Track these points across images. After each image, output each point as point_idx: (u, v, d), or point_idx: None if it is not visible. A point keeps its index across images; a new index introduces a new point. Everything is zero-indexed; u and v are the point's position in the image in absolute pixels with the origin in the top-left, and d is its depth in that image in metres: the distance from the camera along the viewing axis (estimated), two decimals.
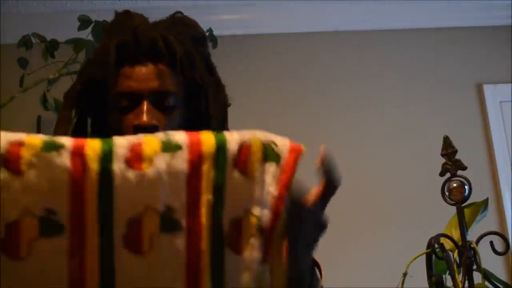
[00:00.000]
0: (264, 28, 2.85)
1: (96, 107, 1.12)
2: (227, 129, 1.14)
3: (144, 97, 1.07)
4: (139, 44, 1.09)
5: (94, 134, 1.15)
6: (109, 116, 1.10)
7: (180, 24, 1.16)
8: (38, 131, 2.63)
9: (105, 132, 1.10)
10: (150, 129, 1.03)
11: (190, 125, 1.10)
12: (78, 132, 1.13)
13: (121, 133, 1.05)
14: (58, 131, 1.10)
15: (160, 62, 1.09)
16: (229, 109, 1.17)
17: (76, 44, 2.34)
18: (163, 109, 1.08)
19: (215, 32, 2.44)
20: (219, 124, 1.13)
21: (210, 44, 1.29)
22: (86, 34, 2.35)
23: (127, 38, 1.11)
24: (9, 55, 2.57)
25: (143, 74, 1.08)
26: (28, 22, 2.72)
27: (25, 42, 2.34)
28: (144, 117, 1.05)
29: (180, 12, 1.17)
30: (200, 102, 1.11)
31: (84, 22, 2.35)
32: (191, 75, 1.10)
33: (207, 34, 1.41)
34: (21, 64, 2.36)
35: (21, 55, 2.37)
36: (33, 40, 2.36)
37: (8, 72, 2.66)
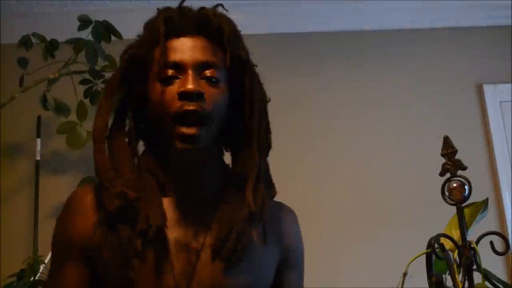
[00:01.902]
0: (264, 28, 2.85)
1: (138, 88, 1.12)
2: (267, 122, 1.15)
3: (188, 67, 1.07)
4: (186, 17, 1.11)
5: (135, 121, 1.14)
6: (152, 90, 1.09)
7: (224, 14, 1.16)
8: (38, 131, 2.63)
9: (146, 114, 1.11)
10: (196, 95, 1.04)
11: (234, 105, 1.11)
12: (120, 120, 1.13)
13: (163, 105, 1.06)
14: (98, 121, 1.11)
15: (206, 36, 1.10)
16: None
17: (76, 44, 2.34)
18: (209, 80, 1.08)
19: None
20: (263, 113, 1.13)
21: None
22: (86, 34, 2.35)
23: (173, 12, 1.12)
24: (9, 55, 2.57)
25: (189, 46, 1.09)
26: (28, 22, 2.72)
27: (25, 42, 2.34)
28: (190, 84, 1.04)
29: (221, 5, 1.17)
30: (244, 81, 1.11)
31: (84, 22, 2.35)
32: (237, 51, 1.10)
33: None
34: (21, 64, 2.36)
35: (21, 55, 2.37)
36: (33, 40, 2.36)
37: (8, 72, 2.66)
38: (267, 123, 1.14)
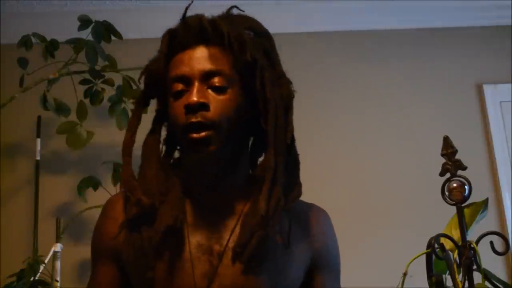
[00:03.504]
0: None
1: (162, 102, 1.17)
2: (291, 120, 1.16)
3: (195, 79, 1.09)
4: (188, 29, 1.13)
5: (168, 131, 1.20)
6: (168, 104, 1.13)
7: (236, 16, 1.18)
8: (38, 131, 2.63)
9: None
10: (199, 107, 1.07)
11: (248, 109, 1.13)
12: (155, 129, 1.18)
13: (174, 119, 1.10)
14: (125, 136, 1.16)
15: (211, 44, 1.12)
16: None
17: (76, 44, 2.34)
18: (215, 89, 1.10)
19: None
20: (280, 111, 1.13)
21: None
22: (86, 34, 2.35)
23: (177, 26, 1.15)
24: (9, 55, 2.57)
25: (193, 58, 1.11)
26: (28, 22, 2.72)
27: (25, 42, 2.34)
28: (193, 96, 1.07)
29: (236, 7, 1.19)
30: (255, 83, 1.12)
31: (84, 22, 2.35)
32: (242, 54, 1.11)
33: None
34: (21, 64, 2.36)
35: (21, 55, 2.37)
36: (33, 40, 2.36)
37: (8, 72, 2.66)
38: (287, 122, 1.15)
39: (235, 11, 1.19)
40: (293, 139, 1.16)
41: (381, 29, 2.93)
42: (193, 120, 1.07)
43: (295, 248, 1.13)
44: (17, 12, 2.78)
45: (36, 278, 2.18)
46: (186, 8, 1.16)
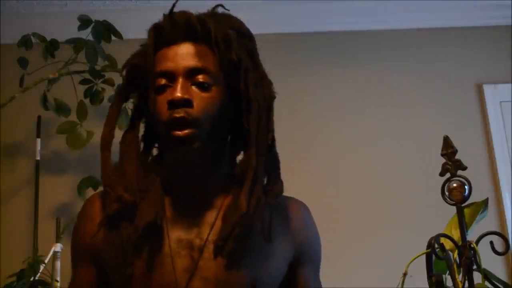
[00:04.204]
0: (264, 28, 2.85)
1: (142, 96, 1.16)
2: (272, 121, 1.15)
3: (179, 75, 1.09)
4: (175, 25, 1.12)
5: (147, 127, 1.20)
6: (149, 99, 1.13)
7: (221, 14, 1.18)
8: (38, 131, 2.63)
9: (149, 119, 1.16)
10: (183, 103, 1.06)
11: (231, 107, 1.13)
12: (133, 125, 1.18)
13: (157, 114, 1.10)
14: (103, 130, 1.16)
15: (197, 42, 1.12)
16: None
17: (76, 44, 2.34)
18: (199, 85, 1.10)
19: None
20: (263, 112, 1.13)
21: None
22: (86, 34, 2.35)
23: (164, 21, 1.14)
24: (9, 55, 2.57)
25: (179, 54, 1.11)
26: (28, 22, 2.72)
27: (25, 42, 2.34)
28: (177, 92, 1.07)
29: (221, 5, 1.19)
30: (239, 82, 1.12)
31: (84, 22, 2.35)
32: (227, 53, 1.11)
33: None
34: (21, 64, 2.36)
35: (21, 55, 2.37)
36: (33, 40, 2.36)
37: (8, 72, 2.66)
38: (268, 122, 1.14)
39: (220, 10, 1.19)
40: (273, 139, 1.16)
41: (381, 29, 2.93)
42: (176, 115, 1.06)
43: (277, 242, 1.13)
44: (17, 12, 2.78)
45: (36, 278, 2.18)
46: (173, 5, 1.15)
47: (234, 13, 1.19)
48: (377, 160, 2.74)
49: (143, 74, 1.13)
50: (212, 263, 1.07)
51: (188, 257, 1.08)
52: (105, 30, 2.35)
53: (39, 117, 2.65)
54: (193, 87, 1.09)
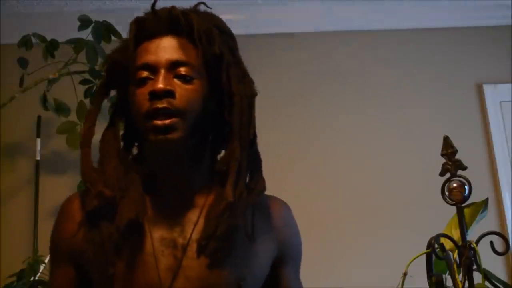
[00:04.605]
0: (264, 28, 2.85)
1: (123, 92, 1.15)
2: (253, 117, 1.14)
3: (161, 67, 1.08)
4: (158, 18, 1.12)
5: (126, 124, 1.19)
6: (129, 92, 1.11)
7: (202, 12, 1.17)
8: (38, 131, 2.63)
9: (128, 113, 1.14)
10: (165, 94, 1.05)
11: (213, 102, 1.12)
12: (112, 123, 1.17)
13: (136, 105, 1.08)
14: (83, 127, 1.16)
15: (180, 35, 1.11)
16: None
17: (76, 44, 2.34)
18: (181, 77, 1.09)
19: None
20: (245, 106, 1.12)
21: None
22: (86, 34, 2.35)
23: (146, 15, 1.14)
24: (9, 55, 2.57)
25: (161, 47, 1.10)
26: (28, 22, 2.72)
27: (25, 42, 2.34)
28: (159, 83, 1.06)
29: (204, 3, 1.19)
30: (221, 77, 1.11)
31: (84, 22, 2.35)
32: (210, 48, 1.10)
33: None
34: (21, 64, 2.36)
35: (21, 55, 2.37)
36: (33, 40, 2.36)
37: (8, 72, 2.66)
38: (250, 117, 1.13)
39: (202, 8, 1.18)
40: (255, 136, 1.15)
41: (381, 29, 2.93)
42: (159, 105, 1.05)
43: (260, 241, 1.13)
44: (17, 12, 2.78)
45: (36, 278, 2.18)
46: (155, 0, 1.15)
47: (231, 13, 1.19)
48: (377, 160, 2.74)
49: (124, 70, 1.12)
50: (195, 263, 1.06)
51: (171, 256, 1.07)
52: (105, 30, 2.35)
53: (39, 117, 2.65)
54: (175, 80, 1.08)
